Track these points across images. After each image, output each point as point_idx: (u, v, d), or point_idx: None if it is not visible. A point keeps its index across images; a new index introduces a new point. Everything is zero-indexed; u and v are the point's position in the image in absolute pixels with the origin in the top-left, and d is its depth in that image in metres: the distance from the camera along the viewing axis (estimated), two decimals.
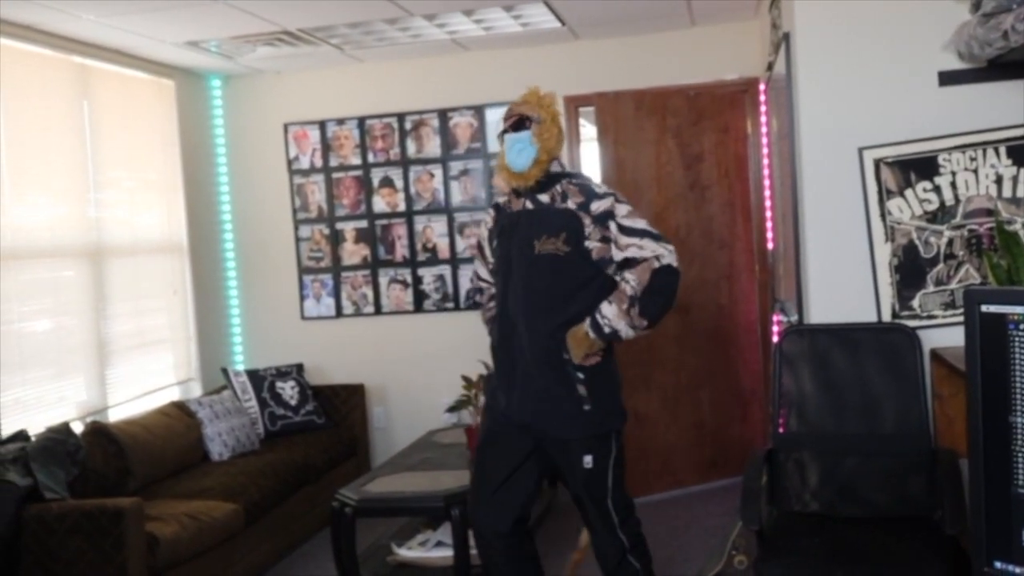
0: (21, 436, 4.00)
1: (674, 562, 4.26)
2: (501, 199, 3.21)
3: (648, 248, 2.91)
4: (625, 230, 2.94)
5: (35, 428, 4.14)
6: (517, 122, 3.04)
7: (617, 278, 2.96)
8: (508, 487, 3.06)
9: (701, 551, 4.31)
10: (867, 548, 2.94)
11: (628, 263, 2.92)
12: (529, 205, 3.06)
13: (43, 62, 4.60)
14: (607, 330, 2.90)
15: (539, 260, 2.96)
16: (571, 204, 2.98)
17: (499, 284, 3.11)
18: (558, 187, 3.03)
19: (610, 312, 2.89)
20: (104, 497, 3.96)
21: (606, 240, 2.94)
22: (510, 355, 3.04)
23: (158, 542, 3.67)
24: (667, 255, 2.92)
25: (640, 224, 2.96)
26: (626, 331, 2.90)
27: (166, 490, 4.40)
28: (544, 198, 3.04)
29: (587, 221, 2.95)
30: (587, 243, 2.94)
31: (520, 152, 3.00)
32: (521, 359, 3.00)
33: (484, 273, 3.31)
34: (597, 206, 2.96)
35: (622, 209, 2.97)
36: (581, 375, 2.94)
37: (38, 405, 4.39)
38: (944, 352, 3.22)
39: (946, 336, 3.38)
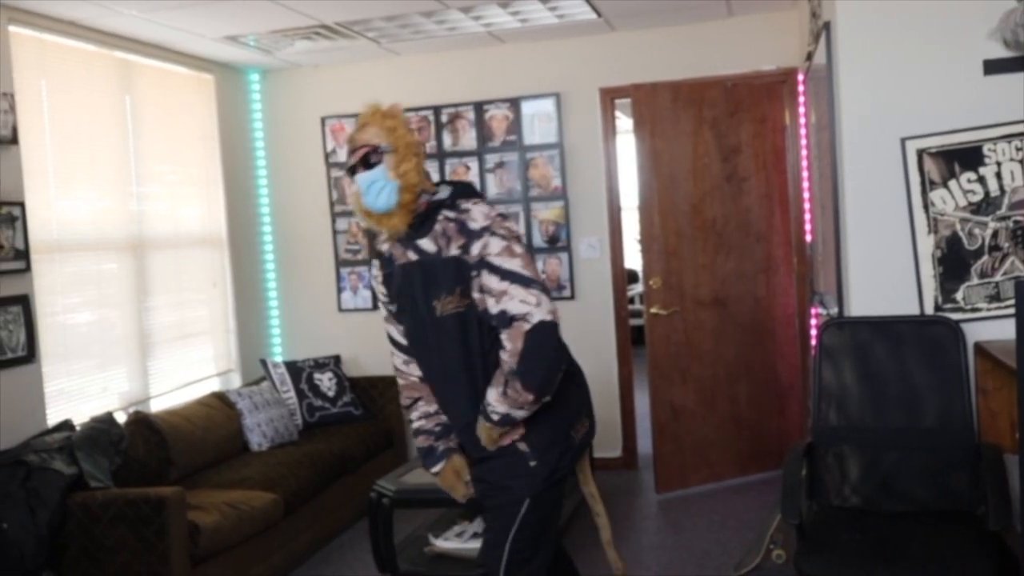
0: (66, 425, 4.09)
1: (711, 556, 4.24)
2: (383, 246, 2.68)
3: (516, 298, 2.40)
4: (496, 271, 2.43)
5: (79, 418, 4.23)
6: (364, 158, 2.50)
7: (501, 337, 2.46)
8: None
9: (738, 545, 4.29)
10: (908, 543, 2.90)
11: (503, 318, 2.42)
12: (413, 256, 2.56)
13: (86, 57, 4.67)
14: (496, 417, 2.46)
15: (444, 323, 2.50)
16: (454, 250, 2.48)
17: (416, 353, 2.68)
18: (438, 226, 2.52)
19: (492, 396, 2.46)
20: (146, 486, 4.03)
21: (482, 291, 2.46)
22: (455, 414, 2.66)
23: (199, 531, 3.73)
24: (536, 311, 2.39)
25: (513, 264, 2.44)
26: (516, 413, 2.45)
27: (206, 480, 4.46)
28: (427, 245, 2.53)
29: (473, 268, 2.47)
30: (474, 294, 2.47)
31: (378, 193, 2.48)
32: (460, 426, 2.64)
33: (398, 336, 2.75)
34: (476, 249, 2.46)
35: (495, 245, 2.45)
36: (521, 430, 2.55)
37: (82, 395, 4.47)
38: (989, 345, 3.18)
39: (991, 329, 3.32)
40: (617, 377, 5.74)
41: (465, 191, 2.60)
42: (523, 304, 2.40)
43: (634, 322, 6.29)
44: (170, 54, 5.27)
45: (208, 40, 5.12)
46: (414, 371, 2.74)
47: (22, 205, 4.08)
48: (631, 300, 8.31)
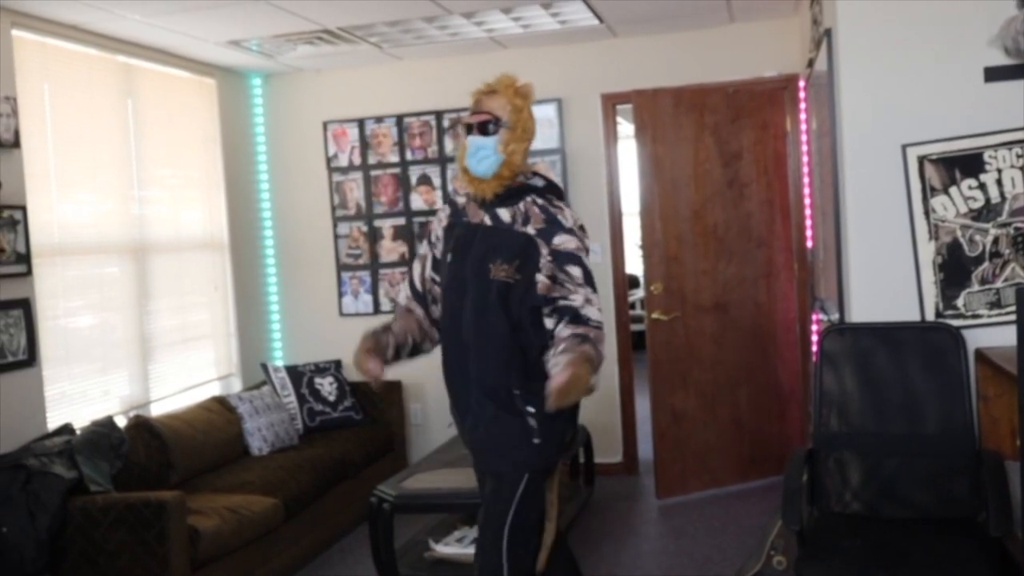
0: (66, 429, 4.08)
1: (712, 562, 4.24)
2: (459, 199, 2.87)
3: (595, 306, 2.65)
4: (586, 276, 2.66)
5: (80, 422, 4.23)
6: (483, 124, 2.71)
7: (555, 324, 2.63)
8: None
9: (739, 551, 4.28)
10: (909, 549, 2.90)
11: (571, 312, 2.61)
12: (488, 221, 2.75)
13: (88, 62, 4.68)
14: (597, 354, 2.59)
15: (491, 286, 2.67)
16: (531, 229, 2.68)
17: (449, 302, 2.81)
18: (521, 205, 2.72)
19: (587, 347, 2.56)
20: (147, 490, 4.03)
21: (554, 280, 2.65)
22: (465, 378, 2.77)
23: (200, 535, 3.72)
24: (602, 319, 2.66)
25: (589, 272, 2.68)
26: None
27: (207, 484, 4.45)
28: (505, 215, 2.73)
29: (544, 251, 2.66)
30: (538, 275, 2.65)
31: (481, 161, 2.70)
32: (476, 385, 2.74)
33: (417, 279, 2.93)
34: (560, 241, 2.67)
35: (584, 252, 2.70)
36: (531, 408, 2.65)
37: (83, 399, 4.47)
38: (990, 352, 3.18)
39: (991, 336, 3.32)
40: (618, 382, 5.74)
41: (556, 190, 2.80)
42: (598, 312, 2.64)
43: (635, 327, 6.28)
44: (172, 58, 5.28)
45: (210, 44, 5.13)
46: (416, 309, 2.92)
47: (24, 209, 4.08)
48: (632, 305, 8.32)
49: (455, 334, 2.79)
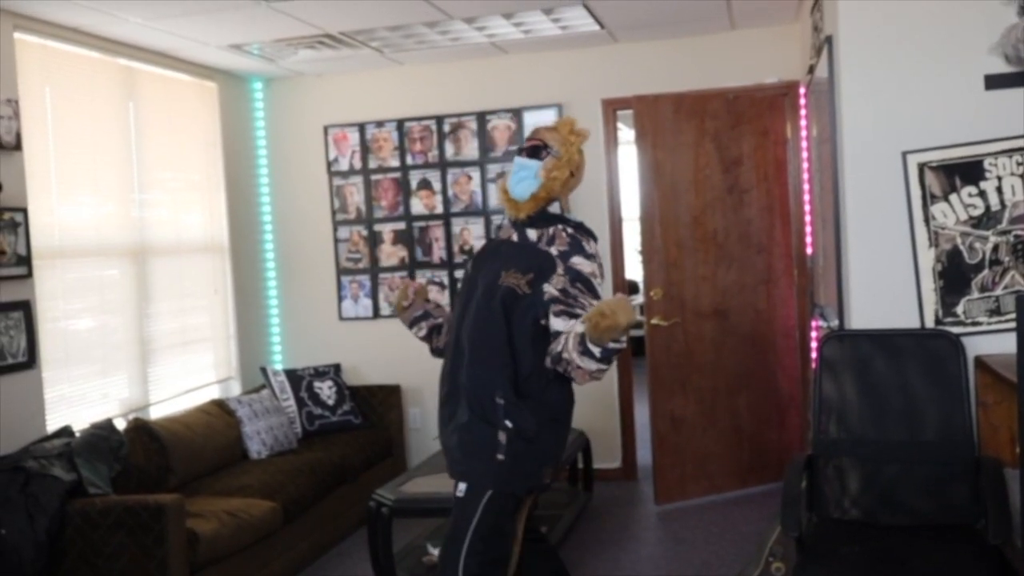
0: (66, 432, 4.08)
1: (710, 568, 4.24)
2: (502, 222, 3.00)
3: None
4: (595, 296, 2.69)
5: (79, 424, 4.23)
6: (533, 148, 2.83)
7: (557, 331, 2.64)
8: None
9: (737, 557, 4.28)
10: (908, 556, 2.90)
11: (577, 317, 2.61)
12: (515, 237, 2.85)
13: (90, 64, 4.69)
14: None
15: (497, 292, 2.72)
16: (554, 250, 2.75)
17: (456, 309, 2.89)
18: (551, 229, 2.80)
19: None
20: (145, 493, 4.03)
21: (564, 293, 2.66)
22: (456, 385, 2.79)
23: (198, 538, 3.72)
24: None
25: (598, 295, 2.72)
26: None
27: (206, 487, 4.45)
28: (532, 234, 2.81)
29: (560, 270, 2.70)
30: (547, 286, 2.68)
31: (521, 180, 2.80)
32: (464, 391, 2.75)
33: None
34: (577, 261, 2.72)
35: (598, 279, 2.75)
36: (509, 423, 2.65)
37: (82, 401, 4.47)
38: (989, 359, 3.18)
39: (991, 343, 3.33)
40: (617, 388, 5.74)
41: (588, 231, 2.87)
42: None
43: (634, 333, 6.28)
44: (174, 62, 5.29)
45: (212, 48, 5.14)
46: None
47: (25, 211, 4.09)
48: None
49: (455, 340, 2.83)
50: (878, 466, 3.26)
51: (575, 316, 2.60)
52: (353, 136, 6.03)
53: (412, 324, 3.18)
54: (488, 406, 2.68)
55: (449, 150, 5.88)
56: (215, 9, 4.38)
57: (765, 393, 5.36)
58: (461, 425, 2.73)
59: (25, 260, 4.07)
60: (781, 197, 5.37)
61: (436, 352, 3.16)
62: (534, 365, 2.69)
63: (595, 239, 2.86)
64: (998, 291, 3.38)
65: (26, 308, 4.07)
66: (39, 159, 4.28)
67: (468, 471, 2.72)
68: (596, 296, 2.70)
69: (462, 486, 2.72)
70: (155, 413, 4.92)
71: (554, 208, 2.83)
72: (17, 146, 4.05)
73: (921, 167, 3.43)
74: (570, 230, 2.80)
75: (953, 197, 3.40)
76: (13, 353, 4.00)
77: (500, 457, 2.65)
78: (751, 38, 5.47)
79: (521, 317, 2.69)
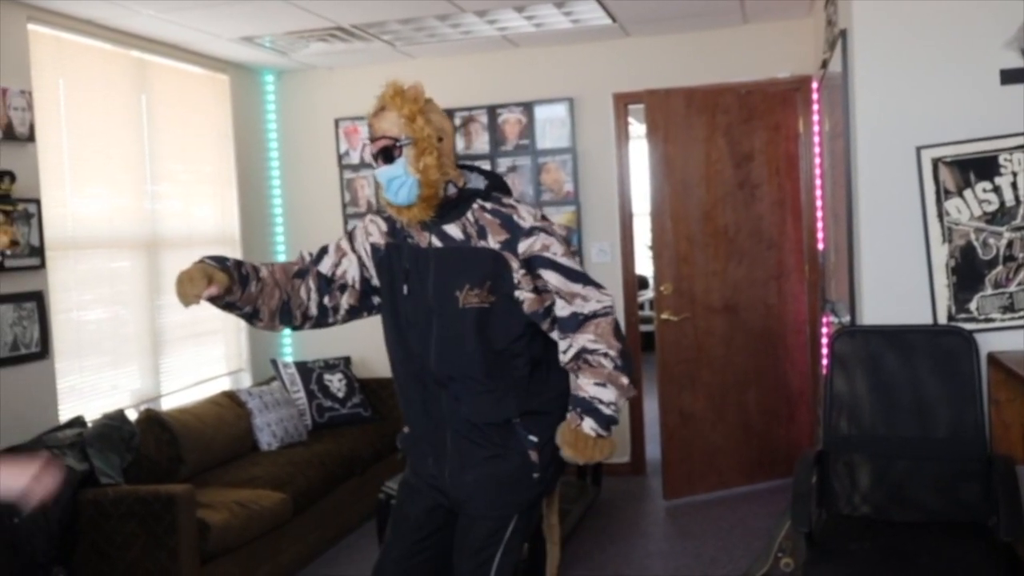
0: (78, 422, 4.11)
1: (719, 563, 4.23)
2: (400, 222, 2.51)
3: (593, 298, 2.37)
4: (564, 272, 2.37)
5: (91, 414, 4.25)
6: (385, 152, 2.37)
7: (560, 339, 2.40)
8: (420, 554, 2.53)
9: (746, 553, 4.28)
10: (918, 553, 2.89)
11: (575, 320, 2.37)
12: (437, 242, 2.41)
13: (103, 56, 4.70)
14: (610, 411, 2.35)
15: (465, 316, 2.37)
16: (492, 243, 2.37)
17: (407, 340, 2.48)
18: (470, 215, 2.40)
19: (609, 395, 2.34)
20: (157, 483, 4.05)
21: (539, 291, 2.38)
22: (433, 419, 2.46)
23: (209, 528, 3.74)
24: (611, 302, 2.41)
25: (575, 264, 2.41)
26: (619, 403, 2.39)
27: (216, 478, 4.47)
28: (455, 232, 2.40)
29: (515, 265, 2.36)
30: (517, 292, 2.37)
31: (399, 189, 2.36)
32: (451, 425, 2.44)
33: (329, 265, 2.59)
34: (525, 246, 2.36)
35: (558, 247, 2.38)
36: (534, 438, 2.41)
37: (94, 392, 4.49)
38: (1002, 356, 3.17)
39: (1004, 340, 3.31)
40: None
41: (500, 184, 2.51)
42: (599, 302, 2.38)
43: (644, 328, 6.28)
44: (186, 54, 5.30)
45: (224, 41, 5.14)
46: (311, 285, 2.57)
47: (38, 202, 4.11)
48: (641, 306, 8.32)
49: (416, 374, 2.47)
50: (889, 462, 3.25)
51: (564, 316, 2.37)
52: (364, 129, 6.01)
53: (228, 308, 2.66)
54: (508, 434, 2.42)
55: (460, 143, 5.87)
56: (228, 2, 4.38)
57: (775, 389, 5.35)
58: (479, 462, 2.43)
59: (38, 251, 4.09)
60: (792, 192, 5.35)
61: (257, 320, 2.62)
62: (531, 360, 2.43)
63: (510, 192, 2.52)
64: (1012, 287, 3.36)
65: (39, 299, 4.09)
66: (52, 150, 4.29)
67: (508, 503, 2.44)
68: (563, 269, 2.38)
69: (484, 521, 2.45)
70: (166, 404, 4.95)
71: (451, 190, 2.41)
72: (31, 137, 4.06)
73: (935, 162, 3.41)
74: (489, 205, 2.41)
75: (967, 193, 3.39)
76: (26, 343, 4.02)
77: (536, 475, 2.43)
78: (763, 32, 5.44)
79: (502, 330, 2.39)
